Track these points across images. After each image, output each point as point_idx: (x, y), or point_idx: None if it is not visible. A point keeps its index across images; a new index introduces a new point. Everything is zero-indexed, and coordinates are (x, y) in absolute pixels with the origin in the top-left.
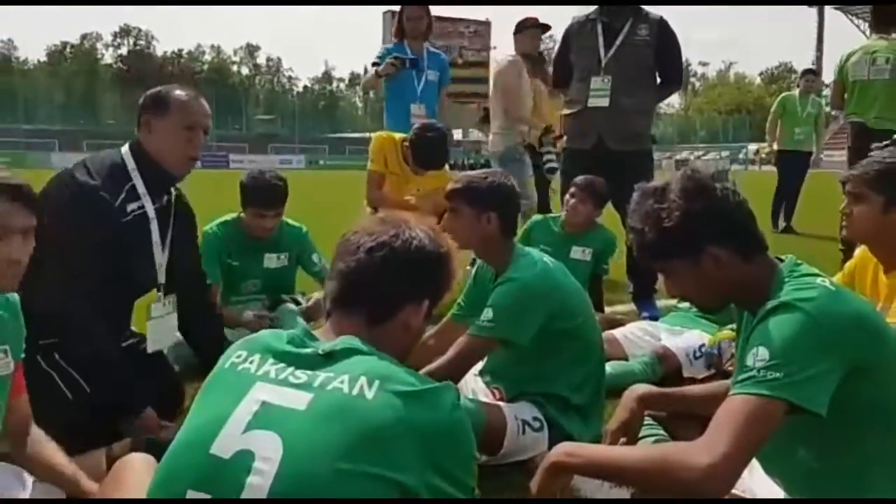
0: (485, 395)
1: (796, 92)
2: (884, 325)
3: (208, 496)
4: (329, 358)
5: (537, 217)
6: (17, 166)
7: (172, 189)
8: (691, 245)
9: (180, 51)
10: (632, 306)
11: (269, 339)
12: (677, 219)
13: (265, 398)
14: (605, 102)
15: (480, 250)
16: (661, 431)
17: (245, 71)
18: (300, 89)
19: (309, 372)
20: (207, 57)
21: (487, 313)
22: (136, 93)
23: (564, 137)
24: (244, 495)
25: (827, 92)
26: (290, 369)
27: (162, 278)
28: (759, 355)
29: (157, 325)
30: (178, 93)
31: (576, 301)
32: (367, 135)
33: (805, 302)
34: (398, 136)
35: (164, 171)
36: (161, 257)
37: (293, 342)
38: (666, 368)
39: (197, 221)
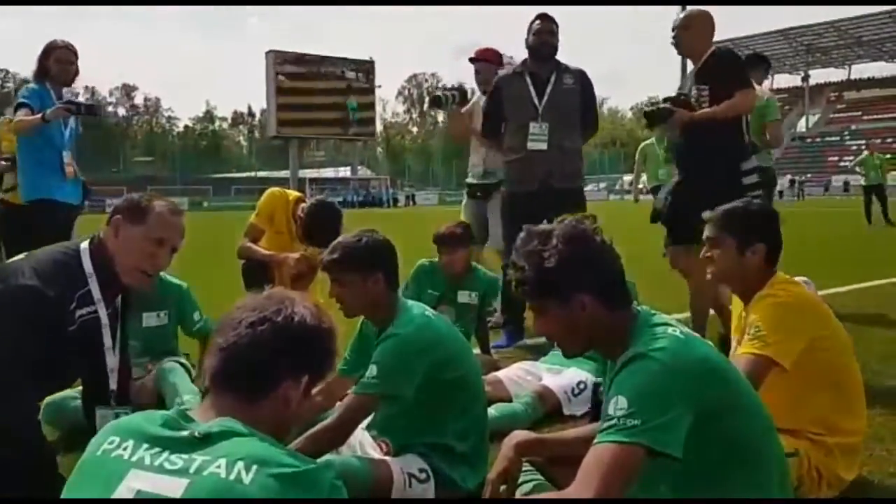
0: (372, 449)
1: (653, 138)
2: (730, 371)
3: None
4: (206, 440)
5: (423, 262)
6: None
7: None
8: (564, 288)
9: (75, 93)
10: (517, 345)
11: (142, 423)
12: (555, 262)
13: (140, 486)
14: (543, 146)
15: (371, 313)
16: (540, 476)
17: (122, 111)
18: (181, 129)
19: (185, 456)
20: (81, 98)
21: (371, 370)
22: None
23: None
24: None
25: None
26: (166, 454)
27: (113, 384)
28: (618, 404)
29: None
30: (160, 204)
31: (458, 352)
32: (254, 174)
33: (657, 351)
34: (293, 195)
35: (118, 279)
36: (112, 361)
37: (168, 425)
38: (547, 407)
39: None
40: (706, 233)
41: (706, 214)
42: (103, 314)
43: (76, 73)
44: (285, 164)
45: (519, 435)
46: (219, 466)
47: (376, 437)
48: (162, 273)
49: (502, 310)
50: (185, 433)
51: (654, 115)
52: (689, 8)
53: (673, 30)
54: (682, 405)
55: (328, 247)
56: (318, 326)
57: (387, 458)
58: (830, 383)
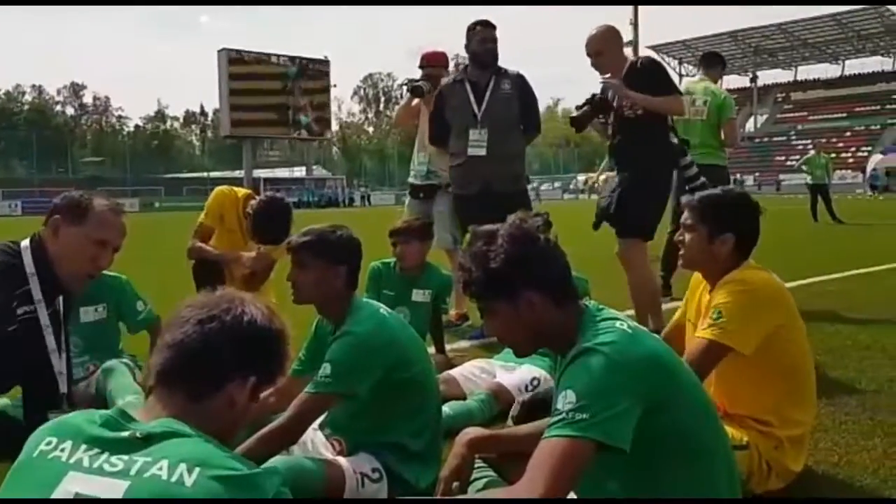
0: (325, 448)
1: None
2: (676, 364)
3: None
4: (147, 441)
5: (375, 265)
6: None
7: None
8: (511, 287)
9: None
10: (471, 342)
11: (80, 423)
12: (501, 262)
13: (78, 489)
14: (482, 152)
15: (322, 304)
16: (492, 473)
17: (70, 111)
18: (131, 129)
19: (125, 457)
20: (28, 97)
21: (325, 369)
22: None
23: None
24: None
25: None
26: (105, 455)
27: (64, 387)
28: (567, 398)
29: None
30: (100, 203)
31: (412, 351)
32: (206, 174)
33: (605, 346)
34: (241, 192)
35: (59, 280)
36: (60, 365)
37: (108, 425)
38: (501, 404)
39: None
40: (682, 217)
41: (685, 199)
42: (43, 315)
43: None
44: (239, 164)
45: (471, 432)
46: (160, 468)
47: (329, 436)
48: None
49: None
50: (125, 434)
51: (578, 120)
52: (594, 31)
53: (588, 56)
54: (629, 398)
55: (280, 243)
56: (269, 327)
57: (339, 458)
58: (787, 373)
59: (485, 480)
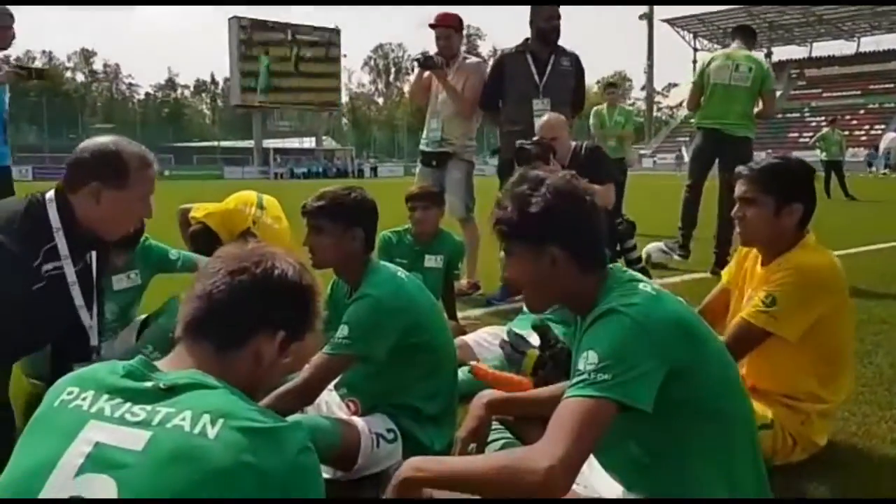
0: (340, 409)
1: (604, 106)
2: (700, 328)
3: None
4: (171, 392)
5: (385, 234)
6: None
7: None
8: (539, 237)
9: (7, 57)
10: (483, 310)
11: (103, 374)
12: (538, 209)
13: (99, 438)
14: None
15: (340, 267)
16: (509, 435)
17: (80, 78)
18: (141, 97)
19: (148, 407)
20: (38, 63)
21: (343, 330)
22: None
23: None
24: None
25: (636, 101)
26: (128, 405)
27: (94, 339)
28: (588, 359)
29: None
30: (134, 153)
31: (430, 315)
32: (216, 143)
33: (629, 307)
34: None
35: (97, 237)
36: (89, 320)
37: (132, 375)
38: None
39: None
40: (739, 190)
41: (739, 169)
42: (70, 272)
43: (13, 37)
44: (249, 134)
45: (489, 394)
46: (183, 419)
47: (344, 397)
48: None
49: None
50: (149, 384)
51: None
52: (543, 118)
53: (543, 139)
54: (652, 360)
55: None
56: (299, 282)
57: (355, 417)
58: (829, 357)
59: (502, 442)
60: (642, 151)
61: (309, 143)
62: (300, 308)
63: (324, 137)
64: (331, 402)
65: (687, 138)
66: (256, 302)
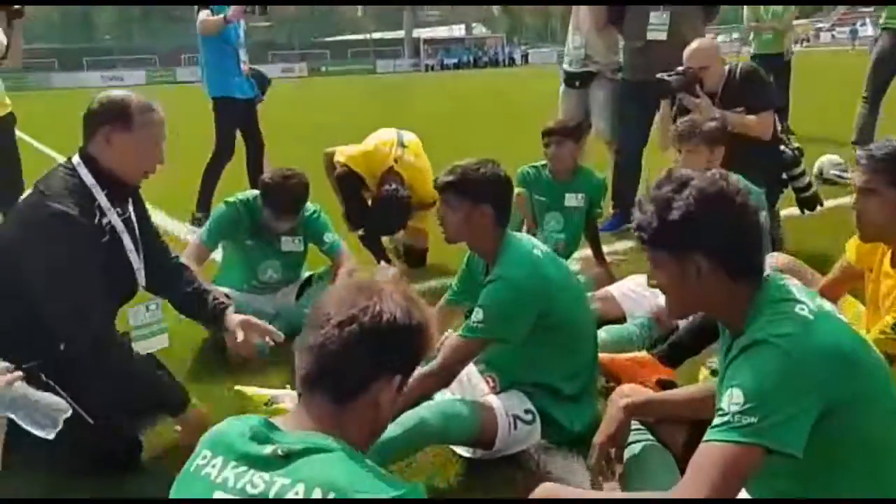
0: (480, 381)
1: None
2: (864, 356)
3: None
4: (288, 458)
5: (525, 169)
6: (17, 90)
7: None
8: (681, 246)
9: None
10: (629, 244)
11: (233, 437)
12: (679, 216)
13: None
14: (663, 36)
15: (472, 243)
16: (649, 436)
17: None
18: None
19: (266, 477)
20: None
21: (478, 314)
22: (131, 9)
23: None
24: None
25: None
26: (250, 474)
27: (142, 280)
28: (733, 398)
29: (145, 329)
30: (138, 103)
31: (567, 293)
32: (367, 36)
33: (780, 338)
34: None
35: (124, 182)
36: (138, 262)
37: (256, 437)
38: (662, 329)
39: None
40: (857, 179)
41: (858, 154)
42: (117, 221)
43: None
44: (399, 25)
45: (627, 393)
46: (297, 492)
47: (483, 372)
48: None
49: (612, 196)
50: (268, 450)
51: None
52: (693, 45)
53: (690, 68)
54: (805, 400)
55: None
56: (409, 325)
57: (492, 398)
58: None
59: (641, 445)
60: (819, 24)
61: (459, 31)
62: (413, 349)
63: (473, 24)
64: (471, 374)
65: (872, 8)
66: (368, 352)
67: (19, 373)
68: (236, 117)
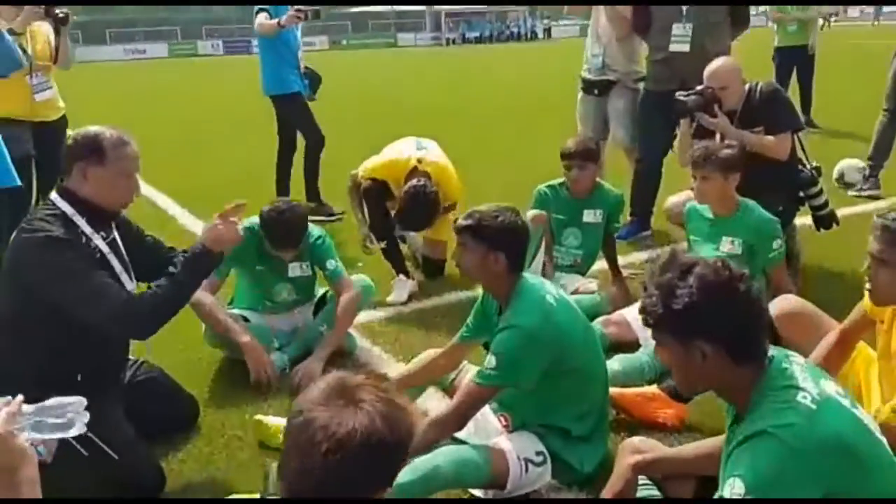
0: (493, 419)
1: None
2: (868, 447)
3: None
4: None
5: (541, 189)
6: None
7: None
8: (685, 332)
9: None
10: (644, 255)
11: None
12: (682, 305)
13: None
14: (685, 48)
15: (485, 284)
16: (656, 492)
17: None
18: None
19: None
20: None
21: (491, 361)
22: None
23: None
24: None
25: None
26: None
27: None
28: (735, 487)
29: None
30: (111, 137)
31: (579, 339)
32: (390, 8)
33: (782, 429)
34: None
35: (103, 209)
36: (131, 284)
37: None
38: None
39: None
40: (872, 246)
41: (875, 221)
42: (102, 244)
43: None
44: None
45: (637, 447)
46: None
47: (496, 412)
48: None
49: (631, 203)
50: None
51: (682, 104)
52: (714, 64)
53: (710, 88)
54: (805, 489)
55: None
56: (395, 440)
57: (503, 441)
58: None
59: (647, 497)
60: None
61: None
62: (395, 464)
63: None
64: (486, 413)
65: None
66: (355, 477)
67: (20, 397)
68: (296, 111)
